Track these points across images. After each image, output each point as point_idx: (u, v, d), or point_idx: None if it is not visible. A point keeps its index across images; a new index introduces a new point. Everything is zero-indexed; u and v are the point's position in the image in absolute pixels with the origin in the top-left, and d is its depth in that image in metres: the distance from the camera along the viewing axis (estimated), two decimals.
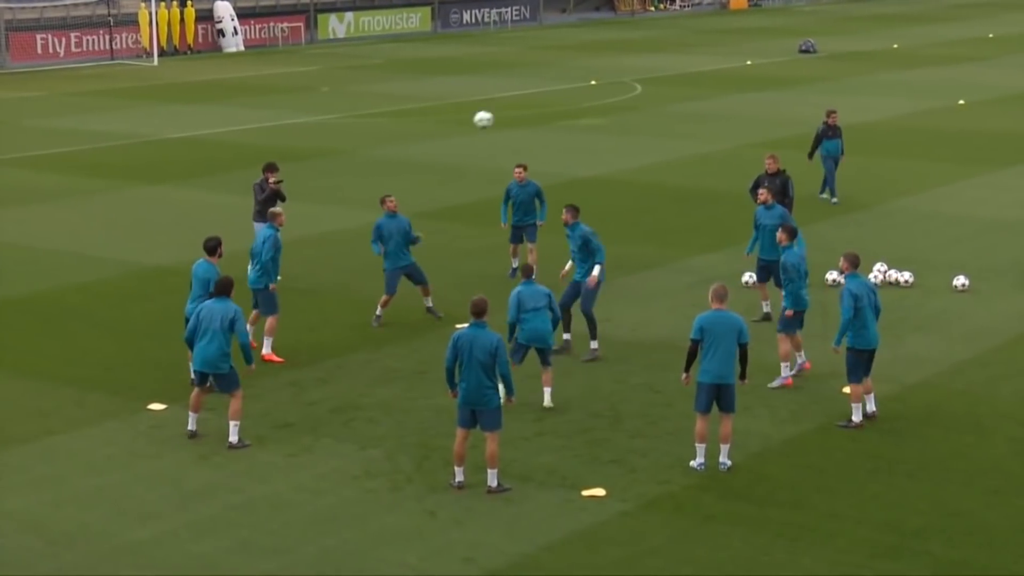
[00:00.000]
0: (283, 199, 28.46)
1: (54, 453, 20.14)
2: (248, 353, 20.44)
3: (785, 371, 22.61)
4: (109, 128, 49.56)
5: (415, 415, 21.45)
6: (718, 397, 19.26)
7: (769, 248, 25.25)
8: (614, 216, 34.52)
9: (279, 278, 24.61)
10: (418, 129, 48.78)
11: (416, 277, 26.10)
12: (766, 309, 25.87)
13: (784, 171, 29.07)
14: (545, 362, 21.71)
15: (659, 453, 19.79)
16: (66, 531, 17.61)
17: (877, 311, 20.95)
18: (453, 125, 49.33)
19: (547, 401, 21.65)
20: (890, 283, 28.25)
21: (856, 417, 20.82)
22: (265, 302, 24.08)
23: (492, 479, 18.62)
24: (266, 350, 24.04)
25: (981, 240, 32.20)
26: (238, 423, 20.15)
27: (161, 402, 21.88)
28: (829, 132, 35.59)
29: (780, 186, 28.67)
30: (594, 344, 24.01)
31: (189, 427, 20.52)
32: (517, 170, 28.82)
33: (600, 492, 18.54)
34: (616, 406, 21.69)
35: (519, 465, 19.37)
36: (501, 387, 18.73)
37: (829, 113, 36.06)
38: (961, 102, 54.41)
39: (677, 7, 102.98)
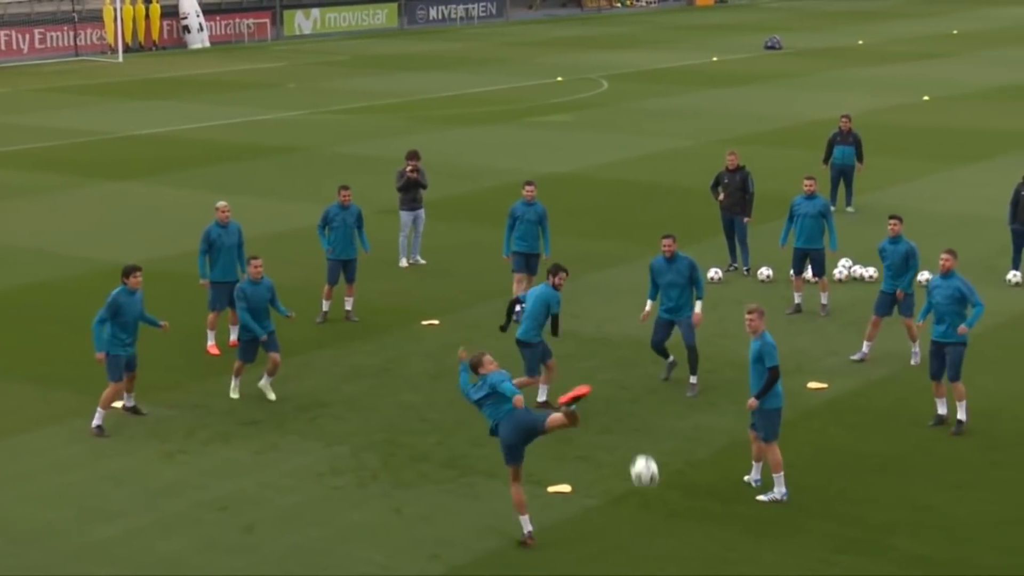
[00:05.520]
0: (423, 186, 29.46)
1: (19, 451, 20.04)
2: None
3: (866, 348, 23.62)
4: (73, 125, 49.33)
5: (381, 412, 21.42)
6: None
7: (808, 237, 25.97)
8: (581, 212, 34.55)
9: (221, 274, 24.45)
10: (384, 125, 48.69)
11: None
12: (798, 300, 26.28)
13: (744, 167, 29.01)
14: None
15: (625, 449, 19.77)
16: (31, 530, 17.52)
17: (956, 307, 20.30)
18: (419, 122, 49.28)
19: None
20: (855, 279, 28.37)
21: (941, 410, 20.76)
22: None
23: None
24: (210, 342, 24.46)
25: (945, 236, 32.24)
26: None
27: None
28: (839, 138, 34.48)
29: (740, 182, 28.68)
30: (693, 379, 22.22)
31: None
32: (528, 188, 25.98)
33: (566, 488, 18.54)
34: (583, 402, 21.57)
35: (486, 462, 19.35)
36: None
37: (841, 117, 35.03)
38: (926, 98, 54.59)
39: (643, 3, 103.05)
